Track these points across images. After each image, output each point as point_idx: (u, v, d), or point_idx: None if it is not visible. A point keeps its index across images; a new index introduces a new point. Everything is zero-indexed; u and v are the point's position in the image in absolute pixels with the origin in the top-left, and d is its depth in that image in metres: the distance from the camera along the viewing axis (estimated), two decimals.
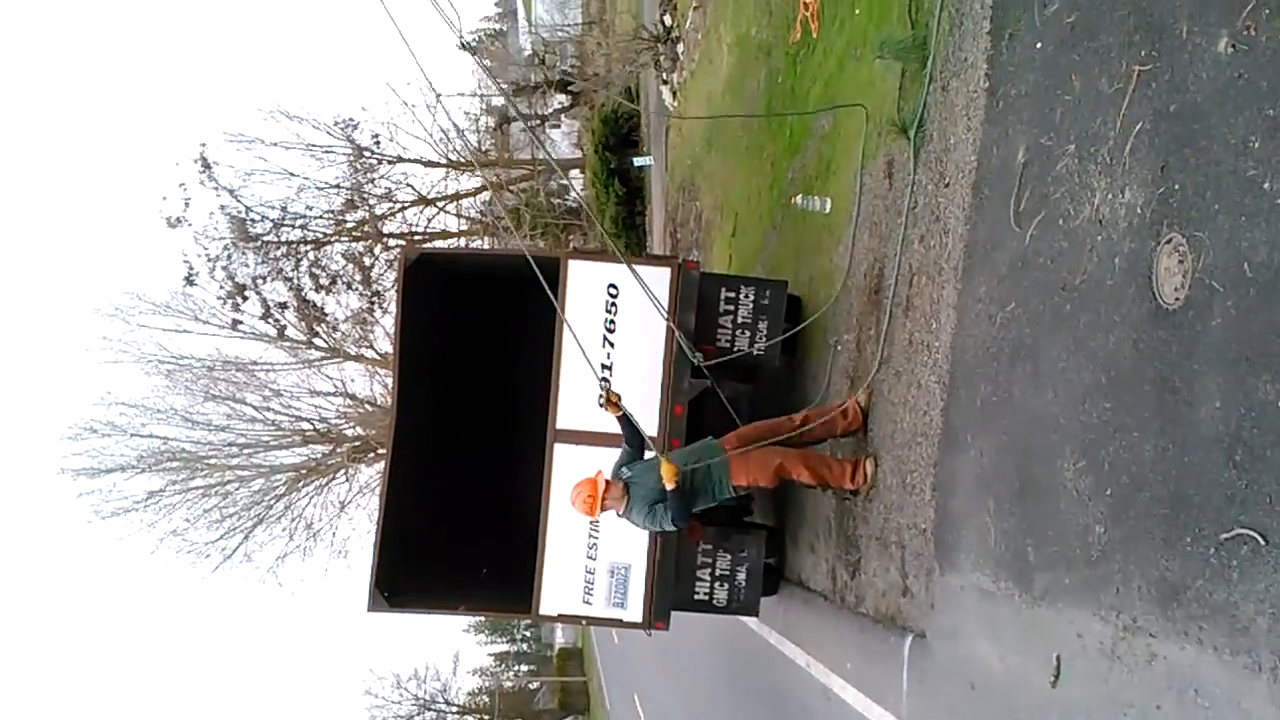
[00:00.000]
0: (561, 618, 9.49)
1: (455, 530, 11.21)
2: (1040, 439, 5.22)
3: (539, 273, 7.36)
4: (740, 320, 9.11)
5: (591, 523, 8.96)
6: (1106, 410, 4.66)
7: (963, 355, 6.29)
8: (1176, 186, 4.28)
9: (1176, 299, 4.22)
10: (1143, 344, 4.43)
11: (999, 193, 5.94)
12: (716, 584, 9.42)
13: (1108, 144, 4.82)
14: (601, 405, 8.08)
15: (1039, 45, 5.65)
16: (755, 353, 9.10)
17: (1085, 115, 5.05)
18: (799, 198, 10.45)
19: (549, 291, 7.62)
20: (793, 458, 7.82)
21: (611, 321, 9.01)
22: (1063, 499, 4.96)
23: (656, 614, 9.21)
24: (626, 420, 7.78)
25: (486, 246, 28.00)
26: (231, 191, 25.96)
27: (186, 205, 25.40)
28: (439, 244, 28.04)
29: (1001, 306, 5.77)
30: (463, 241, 28.71)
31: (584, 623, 9.66)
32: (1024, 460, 5.40)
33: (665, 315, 8.67)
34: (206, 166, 25.70)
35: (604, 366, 8.96)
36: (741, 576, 9.40)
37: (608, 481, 7.66)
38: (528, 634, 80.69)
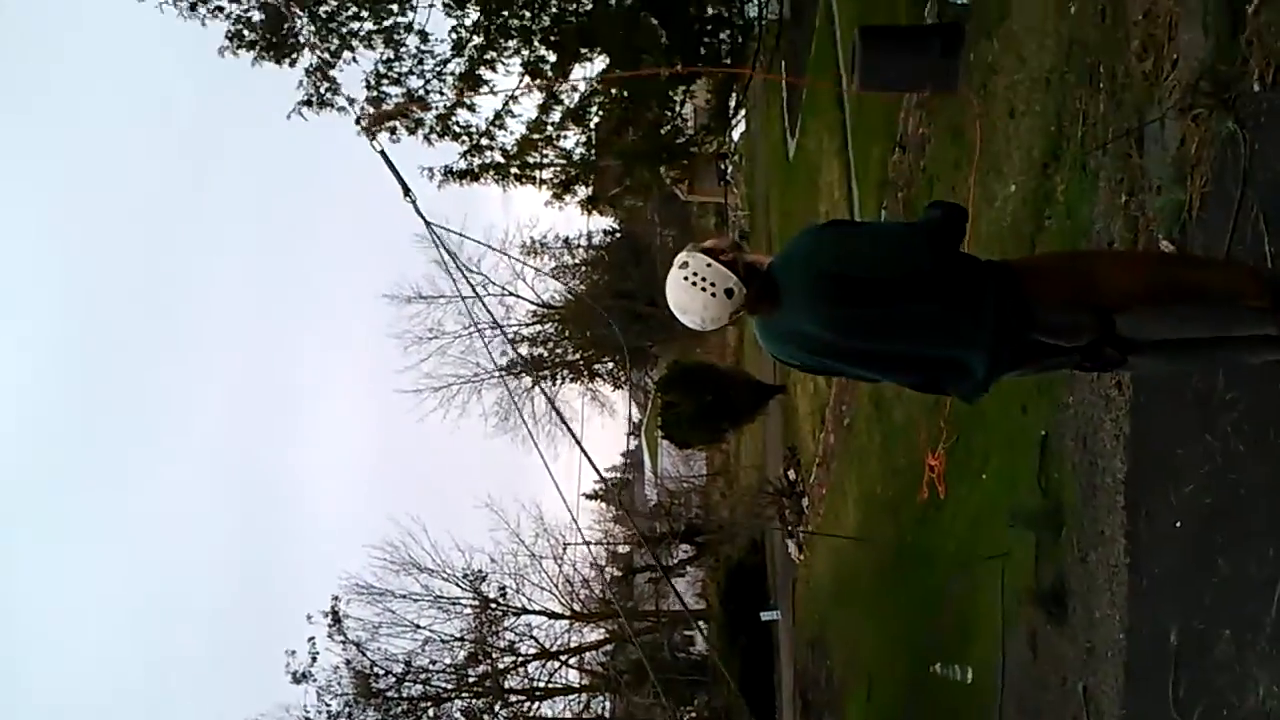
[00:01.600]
0: None
1: None
2: None
3: None
4: None
5: None
6: None
7: None
8: None
9: None
10: None
11: (1154, 675, 5.64)
12: None
13: (1265, 631, 4.60)
14: None
15: (1178, 524, 5.57)
16: None
17: (1236, 599, 4.87)
18: (938, 665, 10.12)
19: None
20: None
21: None
22: None
23: None
24: None
25: (609, 707, 27.50)
26: (358, 645, 26.27)
27: (314, 660, 25.70)
28: (559, 701, 27.64)
29: None
30: (584, 698, 28.25)
31: None
32: None
33: None
34: (336, 620, 26.22)
35: None
36: None
37: None
38: None
